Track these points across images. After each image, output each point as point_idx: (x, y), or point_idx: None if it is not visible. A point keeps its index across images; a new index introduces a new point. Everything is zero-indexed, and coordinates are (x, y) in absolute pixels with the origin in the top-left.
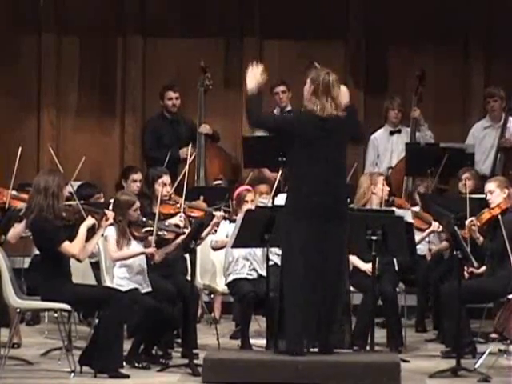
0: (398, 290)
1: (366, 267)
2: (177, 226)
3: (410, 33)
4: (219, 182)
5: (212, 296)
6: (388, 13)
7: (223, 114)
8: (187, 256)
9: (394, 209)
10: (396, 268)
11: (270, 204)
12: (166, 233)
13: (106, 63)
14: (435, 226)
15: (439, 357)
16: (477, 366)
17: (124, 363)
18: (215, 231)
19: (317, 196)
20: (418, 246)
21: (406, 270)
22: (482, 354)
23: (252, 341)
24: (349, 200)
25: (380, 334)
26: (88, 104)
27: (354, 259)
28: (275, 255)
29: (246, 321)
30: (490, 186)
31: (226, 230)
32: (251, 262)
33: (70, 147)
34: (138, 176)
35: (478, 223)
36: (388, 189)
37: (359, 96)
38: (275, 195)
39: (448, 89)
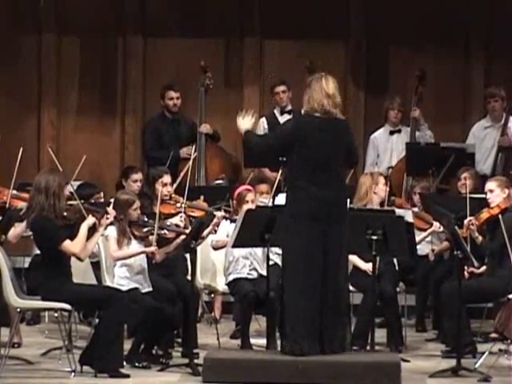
0: (398, 289)
1: (367, 267)
2: (177, 225)
3: (411, 33)
4: (220, 181)
5: (212, 296)
6: (388, 13)
7: (223, 113)
8: (187, 255)
9: (395, 209)
10: (396, 268)
11: (270, 204)
12: (166, 232)
13: (106, 63)
14: (436, 226)
15: (439, 357)
16: (477, 365)
17: (124, 363)
18: (215, 231)
19: (317, 197)
20: (418, 246)
21: (407, 270)
22: (483, 353)
23: (252, 341)
24: (349, 200)
25: (380, 334)
26: (88, 104)
27: (354, 258)
28: (275, 255)
29: (246, 320)
30: (491, 185)
31: (227, 230)
32: (251, 262)
33: (70, 147)
34: (138, 176)
35: (477, 222)
36: (387, 189)
37: (359, 96)
38: (275, 195)
39: (448, 89)
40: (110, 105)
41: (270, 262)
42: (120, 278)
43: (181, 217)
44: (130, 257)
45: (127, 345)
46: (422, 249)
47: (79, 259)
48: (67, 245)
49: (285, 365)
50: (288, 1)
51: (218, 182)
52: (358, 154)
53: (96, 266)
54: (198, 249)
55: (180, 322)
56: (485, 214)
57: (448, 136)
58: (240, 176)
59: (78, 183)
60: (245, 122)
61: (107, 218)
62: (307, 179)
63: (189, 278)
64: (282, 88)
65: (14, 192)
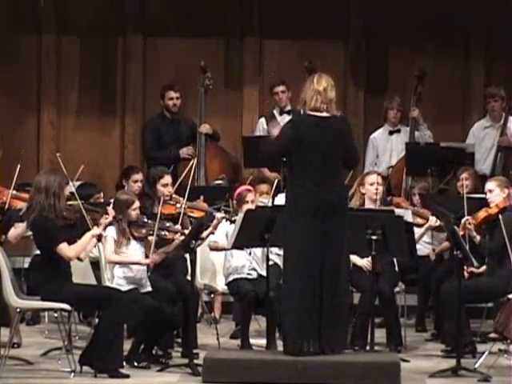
0: (398, 289)
1: (362, 263)
2: (175, 220)
3: (411, 33)
4: (220, 181)
5: (212, 296)
6: (388, 13)
7: (223, 113)
8: (187, 256)
9: (394, 208)
10: (396, 268)
11: (270, 204)
12: (166, 233)
13: (106, 63)
14: (432, 220)
15: (439, 356)
16: (477, 365)
17: (124, 363)
18: (214, 232)
19: (316, 196)
20: (418, 247)
21: (406, 270)
22: (482, 353)
23: (252, 341)
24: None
25: (380, 334)
26: (88, 104)
27: (350, 256)
28: (275, 255)
29: (246, 321)
30: (490, 185)
31: (226, 230)
32: (251, 262)
33: (70, 147)
34: (138, 176)
35: (474, 222)
36: (381, 188)
37: (359, 96)
38: (275, 195)
39: (448, 89)
40: (110, 105)
41: (270, 262)
42: (119, 278)
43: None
44: (124, 263)
45: (127, 345)
46: (423, 249)
47: (79, 259)
48: (63, 247)
49: (285, 365)
50: (288, 1)
51: (217, 181)
52: (358, 156)
53: (96, 266)
54: (198, 249)
55: (180, 322)
56: (482, 213)
57: (448, 136)
58: (240, 176)
59: (78, 183)
60: None
61: (106, 218)
62: (306, 178)
63: (188, 278)
64: (281, 88)
65: (14, 192)
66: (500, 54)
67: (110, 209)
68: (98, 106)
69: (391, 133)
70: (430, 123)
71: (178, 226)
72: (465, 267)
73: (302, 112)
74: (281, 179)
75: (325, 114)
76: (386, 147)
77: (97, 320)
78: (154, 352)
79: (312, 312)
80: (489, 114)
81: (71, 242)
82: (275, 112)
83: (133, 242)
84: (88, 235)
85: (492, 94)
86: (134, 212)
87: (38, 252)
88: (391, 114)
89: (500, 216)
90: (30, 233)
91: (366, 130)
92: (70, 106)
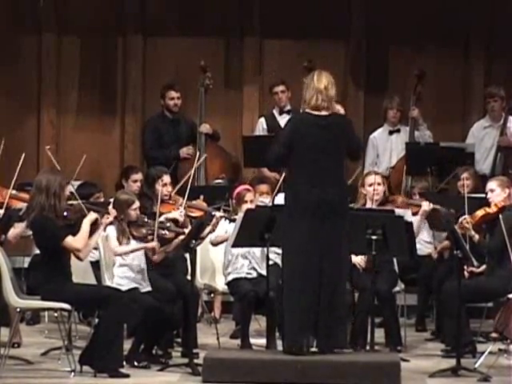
0: (398, 289)
1: (357, 260)
2: (175, 220)
3: (411, 33)
4: (220, 180)
5: (212, 295)
6: (389, 13)
7: (223, 113)
8: (187, 255)
9: (393, 208)
10: (396, 267)
11: (270, 204)
12: (166, 232)
13: (106, 63)
14: (425, 204)
15: (439, 356)
16: (477, 365)
17: (124, 363)
18: (213, 231)
19: (315, 195)
20: (418, 246)
21: (407, 270)
22: (482, 353)
23: (252, 340)
24: (349, 199)
25: (380, 334)
26: (88, 104)
27: None
28: (275, 254)
29: (246, 320)
30: (492, 184)
31: (225, 228)
32: (250, 261)
33: (70, 147)
34: (138, 176)
35: (472, 221)
36: (381, 188)
37: (359, 96)
38: (276, 195)
39: (448, 89)
40: (110, 104)
41: (270, 262)
42: (119, 278)
43: (181, 212)
44: (130, 252)
45: (127, 345)
46: (423, 249)
47: (79, 259)
48: (69, 240)
49: (285, 365)
50: (288, 1)
51: (217, 181)
52: (362, 147)
53: (96, 266)
54: (198, 248)
55: (180, 322)
56: (480, 212)
57: (448, 136)
58: (240, 176)
59: (77, 183)
60: None
61: (107, 218)
62: (305, 177)
63: (188, 277)
64: (280, 88)
65: (14, 192)
66: (500, 53)
67: (111, 208)
68: (98, 105)
69: (391, 133)
70: (429, 123)
71: (176, 215)
72: (465, 267)
73: (301, 111)
74: (281, 179)
75: (324, 113)
76: (386, 147)
77: (97, 320)
78: (154, 352)
79: (311, 311)
80: (489, 114)
81: None
82: (275, 112)
83: (133, 242)
84: (86, 222)
85: (492, 94)
86: (133, 212)
87: (37, 252)
88: (391, 113)
89: (500, 216)
90: (29, 232)
91: (366, 130)
92: (70, 106)
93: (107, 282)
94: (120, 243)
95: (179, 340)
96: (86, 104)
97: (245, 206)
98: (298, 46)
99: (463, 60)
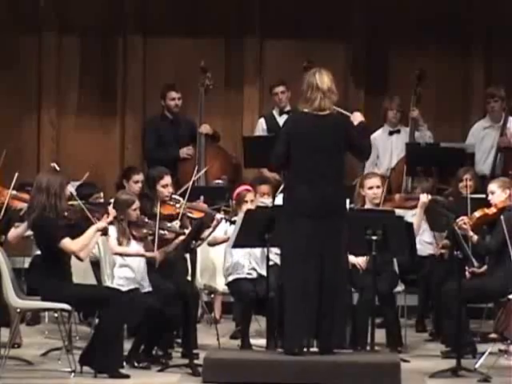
0: (398, 289)
1: (356, 261)
2: (171, 216)
3: (411, 33)
4: (220, 181)
5: (212, 296)
6: (389, 13)
7: (223, 113)
8: (187, 256)
9: (393, 208)
10: (396, 268)
11: (270, 204)
12: (166, 233)
13: (106, 63)
14: (423, 196)
15: (439, 357)
16: (477, 365)
17: (124, 363)
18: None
19: (313, 195)
20: (418, 247)
21: (407, 270)
22: (482, 353)
23: (252, 341)
24: (348, 200)
25: (380, 334)
26: (88, 104)
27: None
28: (275, 255)
29: (246, 320)
30: (492, 186)
31: (224, 229)
32: (250, 261)
33: (70, 147)
34: (139, 177)
35: (470, 221)
36: (380, 190)
37: (359, 96)
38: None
39: (449, 88)
40: (110, 105)
41: (270, 263)
42: (120, 279)
43: (176, 223)
44: (128, 255)
45: (127, 345)
46: (423, 249)
47: (79, 259)
48: (66, 242)
49: (285, 365)
50: (288, 1)
51: (217, 181)
52: (367, 146)
53: (96, 266)
54: (198, 249)
55: (180, 323)
56: (478, 213)
57: (448, 136)
58: (240, 176)
59: (77, 183)
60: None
61: (107, 218)
62: (303, 177)
63: (189, 278)
64: (280, 88)
65: (14, 192)
66: (500, 53)
67: (110, 209)
68: (98, 105)
69: (391, 133)
70: (429, 123)
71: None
72: (466, 267)
73: (300, 109)
74: (281, 179)
75: (324, 112)
76: (387, 147)
77: (97, 320)
78: (154, 352)
79: (311, 312)
80: (489, 114)
81: None
82: (275, 112)
83: (133, 242)
84: (93, 228)
85: (492, 94)
86: (134, 212)
87: (38, 252)
88: (391, 114)
89: (502, 216)
90: (30, 233)
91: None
92: (70, 106)
93: (107, 283)
94: (120, 243)
95: (179, 340)
96: (86, 104)
97: (245, 207)
98: (298, 46)
99: (463, 60)
